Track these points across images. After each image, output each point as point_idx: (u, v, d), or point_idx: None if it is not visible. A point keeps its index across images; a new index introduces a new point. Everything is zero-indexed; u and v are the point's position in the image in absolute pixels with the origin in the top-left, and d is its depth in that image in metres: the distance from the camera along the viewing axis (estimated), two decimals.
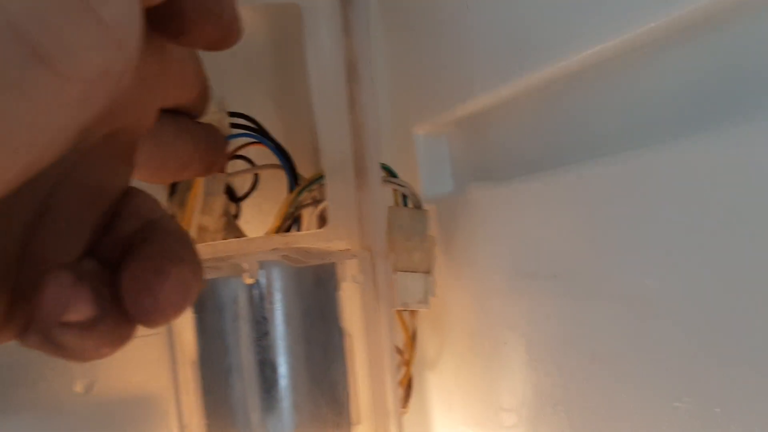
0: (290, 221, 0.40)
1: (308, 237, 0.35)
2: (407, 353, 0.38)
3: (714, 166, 0.23)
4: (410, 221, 0.38)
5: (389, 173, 0.37)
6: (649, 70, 0.27)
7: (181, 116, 0.26)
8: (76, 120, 0.15)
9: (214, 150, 0.27)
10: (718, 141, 0.23)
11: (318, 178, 0.36)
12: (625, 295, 0.27)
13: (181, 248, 0.19)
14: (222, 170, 0.30)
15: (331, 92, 0.33)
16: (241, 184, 0.44)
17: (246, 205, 0.45)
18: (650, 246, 0.26)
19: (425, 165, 0.41)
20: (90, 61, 0.14)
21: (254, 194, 0.44)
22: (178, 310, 0.17)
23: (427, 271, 0.38)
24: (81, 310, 0.16)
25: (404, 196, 0.38)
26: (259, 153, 0.43)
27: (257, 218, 0.45)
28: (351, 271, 0.33)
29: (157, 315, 0.17)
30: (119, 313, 0.17)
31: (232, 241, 0.34)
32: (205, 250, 0.33)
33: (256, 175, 0.44)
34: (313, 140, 0.45)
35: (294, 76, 0.44)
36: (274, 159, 0.42)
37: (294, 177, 0.40)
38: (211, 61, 0.44)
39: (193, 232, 0.36)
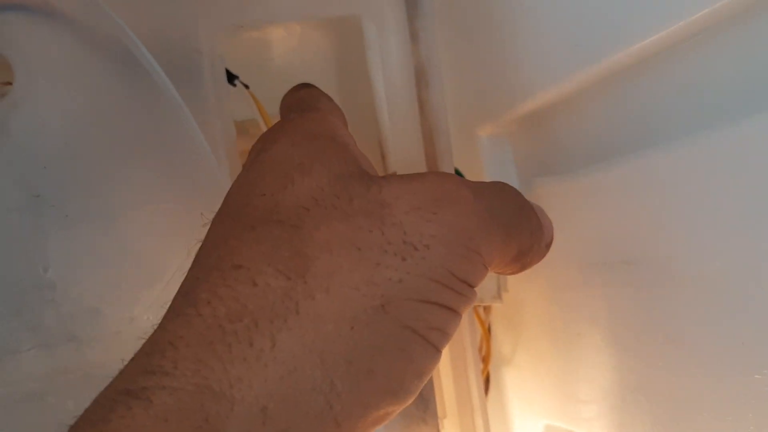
0: None
1: None
2: (484, 348, 0.39)
3: None
4: None
5: (456, 174, 0.38)
6: (709, 57, 0.28)
7: None
8: None
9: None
10: None
11: None
12: (696, 277, 0.28)
13: None
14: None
15: (401, 98, 0.34)
16: None
17: None
18: (717, 228, 0.26)
19: (490, 165, 0.42)
20: None
21: None
22: None
23: None
24: None
25: None
26: None
27: None
28: None
29: None
30: None
31: None
32: None
33: None
34: (380, 146, 0.46)
35: (357, 86, 0.46)
36: None
37: None
38: (277, 73, 0.46)
39: None
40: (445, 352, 0.35)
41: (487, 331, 0.39)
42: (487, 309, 0.40)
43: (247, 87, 0.37)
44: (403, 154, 0.35)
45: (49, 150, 0.31)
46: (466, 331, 0.34)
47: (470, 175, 0.39)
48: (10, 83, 0.33)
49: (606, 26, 0.30)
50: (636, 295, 0.31)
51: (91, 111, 0.32)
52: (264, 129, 0.37)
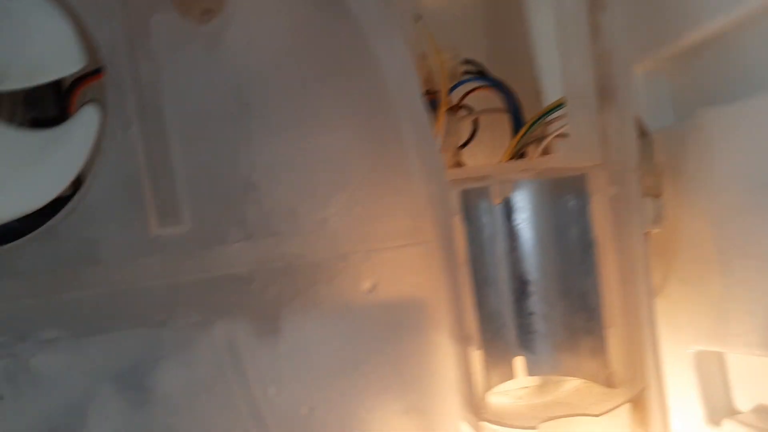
0: (518, 158, 0.43)
1: (550, 160, 0.38)
2: None
3: None
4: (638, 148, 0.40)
5: None
6: None
7: None
8: None
9: None
10: None
11: (556, 107, 0.39)
12: None
13: None
14: None
15: (572, 23, 0.36)
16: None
17: (463, 154, 0.48)
18: None
19: (646, 100, 0.43)
20: None
21: (472, 143, 0.48)
22: None
23: (657, 195, 0.40)
24: None
25: None
26: (478, 101, 0.47)
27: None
28: (600, 184, 0.35)
29: None
30: None
31: (486, 166, 0.38)
32: (461, 172, 0.37)
33: (476, 122, 0.48)
34: (534, 82, 0.48)
35: (507, 20, 0.48)
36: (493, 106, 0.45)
37: (519, 118, 0.44)
38: (433, 12, 0.48)
39: None
40: (615, 267, 0.36)
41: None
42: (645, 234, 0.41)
43: (420, 17, 0.39)
44: (571, 82, 0.37)
45: (257, 64, 0.35)
46: (637, 245, 0.35)
47: None
48: (211, 10, 0.37)
49: None
50: None
51: (293, 33, 0.35)
52: (436, 60, 0.40)
